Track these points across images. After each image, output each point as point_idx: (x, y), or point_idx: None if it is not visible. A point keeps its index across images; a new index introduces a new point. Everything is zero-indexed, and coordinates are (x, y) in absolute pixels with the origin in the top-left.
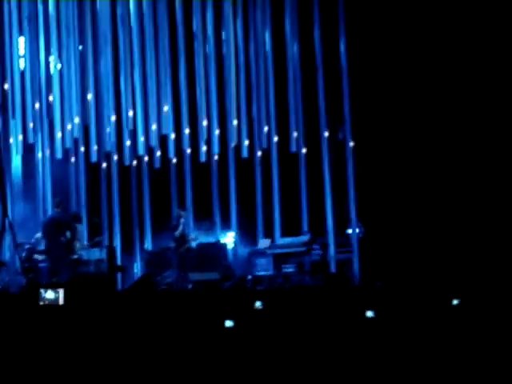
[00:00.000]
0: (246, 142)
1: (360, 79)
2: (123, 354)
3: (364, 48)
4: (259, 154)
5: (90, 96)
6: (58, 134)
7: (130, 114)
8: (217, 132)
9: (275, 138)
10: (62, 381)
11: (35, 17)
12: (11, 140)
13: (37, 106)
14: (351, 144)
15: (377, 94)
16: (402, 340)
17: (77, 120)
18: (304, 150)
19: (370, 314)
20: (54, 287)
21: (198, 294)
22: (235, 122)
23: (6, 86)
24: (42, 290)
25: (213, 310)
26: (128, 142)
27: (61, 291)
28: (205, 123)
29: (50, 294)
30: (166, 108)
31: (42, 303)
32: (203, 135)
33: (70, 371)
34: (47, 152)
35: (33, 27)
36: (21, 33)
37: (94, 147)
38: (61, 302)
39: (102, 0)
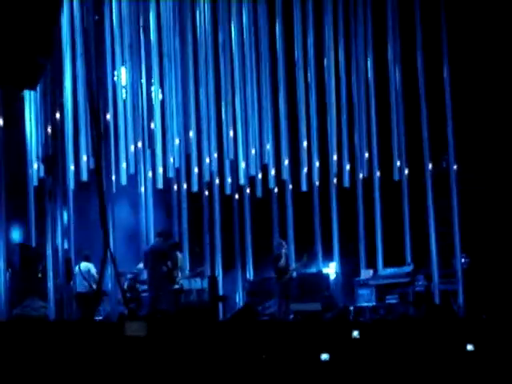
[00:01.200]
0: (348, 171)
1: (464, 106)
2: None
3: (468, 74)
4: (361, 182)
5: (192, 127)
6: (160, 164)
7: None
8: (318, 160)
9: (377, 167)
10: None
11: (137, 46)
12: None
13: (139, 143)
14: (455, 169)
15: (481, 121)
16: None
17: (178, 149)
18: (407, 178)
19: (470, 347)
20: (138, 319)
21: (300, 325)
22: (336, 151)
23: (108, 115)
24: (127, 322)
25: (313, 341)
26: (229, 172)
27: (143, 324)
28: (306, 150)
29: (134, 326)
30: (268, 142)
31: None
32: (304, 164)
33: None
34: (149, 182)
35: (135, 56)
36: (122, 63)
37: (196, 177)
38: (143, 333)
39: (203, 27)
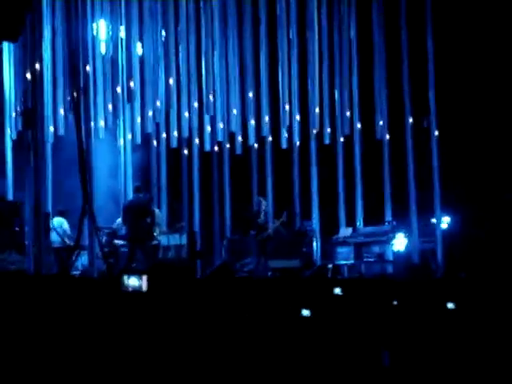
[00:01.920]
0: (329, 129)
1: (445, 66)
2: (203, 340)
3: (450, 35)
4: (341, 140)
5: (171, 81)
6: (139, 119)
7: (211, 99)
8: (298, 118)
9: (358, 125)
10: (144, 367)
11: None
12: (92, 124)
13: (118, 90)
14: (436, 132)
15: (463, 82)
16: (482, 333)
17: (158, 104)
18: (388, 138)
19: (450, 305)
20: (137, 274)
21: (278, 282)
22: (317, 109)
23: (88, 68)
24: (124, 277)
25: (291, 298)
26: (209, 128)
27: (144, 278)
28: (287, 108)
29: (133, 281)
30: (250, 94)
31: (124, 290)
32: (285, 121)
33: (151, 358)
34: (128, 137)
35: (115, 10)
36: (102, 16)
37: (175, 132)
38: (144, 288)
39: None
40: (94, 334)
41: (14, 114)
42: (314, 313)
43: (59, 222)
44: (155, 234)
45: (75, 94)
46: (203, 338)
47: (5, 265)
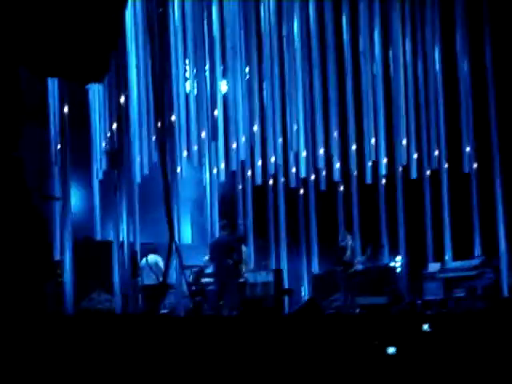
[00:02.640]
0: (415, 163)
1: None
2: (291, 379)
3: None
4: (428, 173)
5: (255, 127)
6: (223, 157)
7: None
8: (384, 152)
9: (445, 158)
10: None
11: (201, 39)
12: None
13: (202, 133)
14: None
15: None
16: None
17: (243, 141)
18: (475, 170)
19: None
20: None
21: (366, 319)
22: (404, 142)
23: (173, 113)
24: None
25: (380, 335)
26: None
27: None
28: (373, 142)
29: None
30: (335, 133)
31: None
32: (370, 156)
33: None
34: (214, 173)
35: (199, 49)
36: (185, 56)
37: (260, 169)
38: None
39: (267, 19)
40: (178, 371)
41: (100, 155)
42: (401, 350)
43: (154, 259)
44: (242, 271)
45: (161, 133)
46: (291, 376)
47: (94, 304)
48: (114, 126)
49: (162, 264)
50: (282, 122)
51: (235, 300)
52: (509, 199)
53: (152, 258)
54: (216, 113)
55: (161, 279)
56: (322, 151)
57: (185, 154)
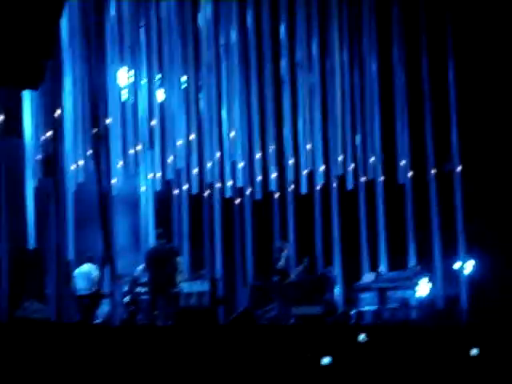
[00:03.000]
0: (350, 174)
1: (469, 109)
2: None
3: (474, 76)
4: (364, 185)
5: (192, 136)
6: (159, 166)
7: (233, 144)
8: (320, 163)
9: (380, 170)
10: None
11: (138, 46)
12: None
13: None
14: (459, 173)
15: (486, 125)
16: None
17: (179, 150)
18: (410, 181)
19: (474, 352)
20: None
21: (300, 329)
22: (340, 157)
23: (108, 121)
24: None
25: (314, 345)
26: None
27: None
28: (309, 152)
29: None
30: (271, 147)
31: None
32: (306, 166)
33: None
34: (149, 184)
35: (135, 57)
36: (122, 63)
37: (196, 178)
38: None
39: (206, 29)
40: (114, 380)
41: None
42: (336, 360)
43: (88, 269)
44: (177, 281)
45: (96, 141)
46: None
47: (28, 313)
48: (49, 133)
49: (95, 273)
50: (219, 131)
51: (170, 310)
52: (444, 210)
53: (85, 267)
54: (153, 122)
55: (93, 288)
56: (258, 160)
57: (120, 164)
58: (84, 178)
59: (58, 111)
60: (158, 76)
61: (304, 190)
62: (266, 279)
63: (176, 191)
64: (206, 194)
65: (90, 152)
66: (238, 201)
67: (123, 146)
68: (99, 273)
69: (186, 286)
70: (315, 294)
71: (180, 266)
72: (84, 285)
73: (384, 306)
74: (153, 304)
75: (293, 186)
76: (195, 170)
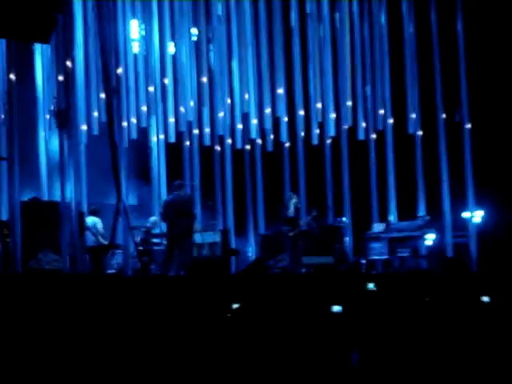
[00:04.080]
0: (362, 124)
1: (478, 60)
2: (238, 337)
3: (482, 27)
4: (374, 136)
5: (203, 79)
6: (171, 118)
7: (245, 96)
8: (331, 114)
9: (390, 120)
10: (181, 365)
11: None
12: (125, 124)
13: (151, 89)
14: (468, 126)
15: (494, 74)
16: None
17: (191, 103)
18: (420, 132)
19: (485, 299)
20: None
21: (311, 278)
22: (349, 104)
23: (120, 70)
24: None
25: (325, 295)
26: (241, 126)
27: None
28: (319, 105)
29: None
30: (280, 91)
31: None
32: (317, 118)
33: (185, 356)
34: (161, 136)
35: (146, 10)
36: (133, 15)
37: (208, 130)
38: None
39: None
40: (127, 332)
41: (47, 115)
42: (347, 309)
43: (93, 221)
44: (197, 231)
45: (108, 94)
46: (238, 333)
47: (41, 264)
48: (61, 86)
49: (100, 226)
50: (229, 83)
51: (186, 260)
52: (452, 161)
53: (91, 219)
54: (166, 80)
55: (101, 241)
56: (268, 112)
57: (133, 120)
58: (97, 131)
59: (70, 64)
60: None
61: (315, 141)
62: (277, 230)
63: (187, 143)
64: (216, 145)
65: (102, 104)
66: (248, 152)
67: (136, 99)
68: (103, 225)
69: (197, 237)
70: (326, 243)
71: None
72: (90, 237)
73: (394, 255)
74: (170, 254)
75: (303, 137)
76: (208, 123)
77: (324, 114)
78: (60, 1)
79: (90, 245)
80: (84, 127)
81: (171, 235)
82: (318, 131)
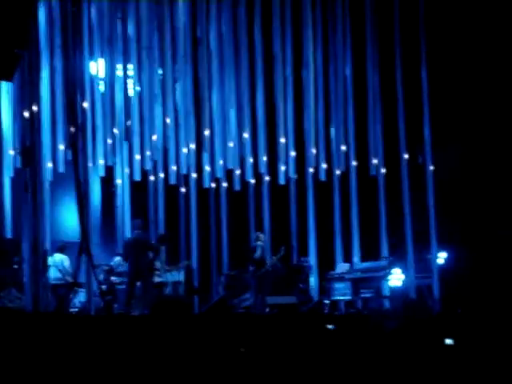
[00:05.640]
0: (324, 166)
1: (440, 103)
2: (197, 376)
3: (445, 70)
4: (338, 177)
5: (168, 120)
6: (137, 157)
7: (209, 136)
8: (294, 154)
9: (354, 162)
10: None
11: (115, 38)
12: (90, 164)
13: (115, 130)
14: (431, 168)
15: (457, 118)
16: (481, 369)
17: (155, 140)
18: (383, 173)
19: (449, 341)
20: None
21: (275, 318)
22: (313, 147)
23: (86, 106)
24: None
25: (289, 334)
26: (207, 167)
27: None
28: (283, 144)
29: None
30: (245, 134)
31: None
32: (282, 157)
33: None
34: (126, 175)
35: (113, 49)
36: (100, 54)
37: (173, 168)
38: None
39: (182, 21)
40: (92, 372)
41: (12, 153)
42: (309, 348)
43: (60, 259)
44: (159, 270)
45: (73, 132)
46: (200, 373)
47: (5, 302)
48: (27, 123)
49: (67, 263)
50: (196, 122)
51: (148, 298)
52: (415, 202)
53: (58, 257)
54: (129, 118)
55: (67, 278)
56: (233, 150)
57: (100, 160)
58: (62, 169)
59: (36, 102)
60: (133, 68)
61: (281, 181)
62: (241, 269)
63: (152, 179)
64: (182, 185)
65: (67, 143)
66: (213, 191)
67: (102, 137)
68: (70, 263)
69: (161, 276)
70: (290, 283)
71: (161, 255)
72: (57, 274)
73: (357, 296)
74: (130, 293)
75: (268, 178)
76: (173, 162)
77: (287, 154)
78: (25, 38)
79: (54, 282)
80: (50, 165)
81: (132, 274)
82: (283, 170)
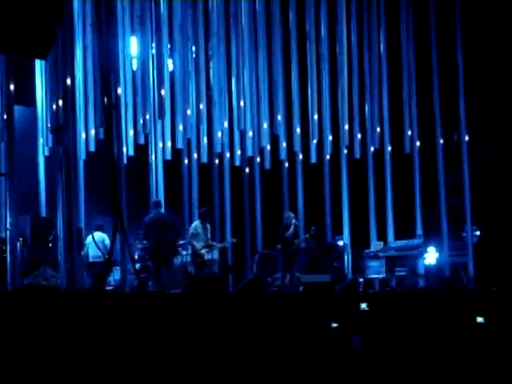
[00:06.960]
0: (359, 142)
1: (476, 80)
2: (233, 354)
3: (480, 47)
4: (372, 154)
5: (201, 97)
6: (169, 135)
7: (243, 114)
8: (329, 133)
9: (388, 139)
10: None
11: (148, 16)
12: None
13: (149, 106)
14: (466, 145)
15: (493, 96)
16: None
17: (189, 119)
18: (418, 151)
19: (480, 319)
20: None
21: (308, 296)
22: (347, 123)
23: (119, 89)
24: None
25: (322, 313)
26: (239, 144)
27: None
28: (316, 123)
29: None
30: (279, 116)
31: None
32: (315, 136)
33: (183, 373)
34: (159, 153)
35: (145, 26)
36: (132, 33)
37: (206, 148)
38: None
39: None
40: (125, 350)
41: (46, 131)
42: (342, 327)
43: (101, 237)
44: (202, 250)
45: (106, 111)
46: (233, 352)
47: (39, 280)
48: (60, 102)
49: (108, 241)
50: (229, 100)
51: (176, 277)
52: (449, 180)
53: (99, 235)
54: (163, 92)
55: (107, 256)
56: (267, 130)
57: (131, 133)
58: (95, 148)
59: (69, 80)
60: (168, 46)
61: (313, 159)
62: (274, 247)
63: (186, 160)
64: (215, 162)
65: (100, 121)
66: (247, 170)
67: (134, 116)
68: (109, 241)
69: (209, 253)
70: (324, 262)
71: (196, 230)
72: (97, 252)
73: (392, 274)
74: (157, 273)
75: (301, 156)
76: (205, 140)
77: (321, 133)
78: (58, 17)
79: (93, 261)
80: (83, 144)
81: (153, 253)
82: (316, 149)
